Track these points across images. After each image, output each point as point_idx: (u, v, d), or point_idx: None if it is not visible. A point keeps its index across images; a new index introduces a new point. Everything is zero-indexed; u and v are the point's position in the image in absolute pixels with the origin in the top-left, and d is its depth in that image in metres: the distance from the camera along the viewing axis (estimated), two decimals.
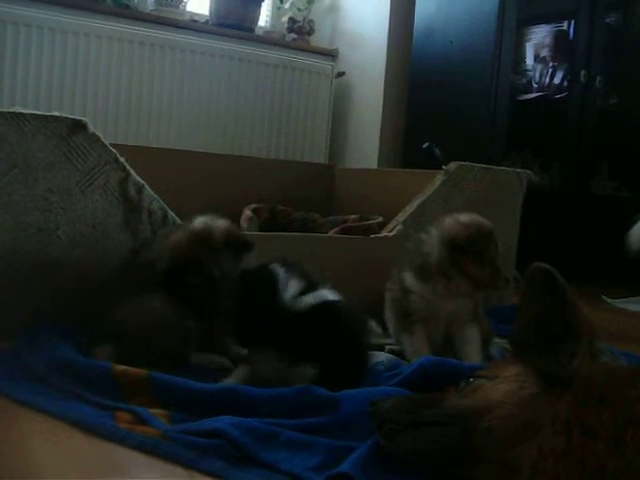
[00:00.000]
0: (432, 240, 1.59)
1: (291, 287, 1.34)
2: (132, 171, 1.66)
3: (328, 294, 1.36)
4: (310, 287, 1.36)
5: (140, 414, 1.12)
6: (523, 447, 0.85)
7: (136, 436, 1.06)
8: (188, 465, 0.99)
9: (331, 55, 3.82)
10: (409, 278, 1.59)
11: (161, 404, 1.18)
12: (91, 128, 1.61)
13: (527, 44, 3.63)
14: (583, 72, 3.40)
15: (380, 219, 2.28)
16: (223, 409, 1.13)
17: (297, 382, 1.23)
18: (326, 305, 1.33)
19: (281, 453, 1.00)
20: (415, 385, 1.21)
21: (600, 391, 0.86)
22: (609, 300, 2.84)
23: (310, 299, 1.33)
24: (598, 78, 3.45)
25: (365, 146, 3.63)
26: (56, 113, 1.60)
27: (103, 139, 1.63)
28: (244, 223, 2.41)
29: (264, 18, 3.87)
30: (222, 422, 1.05)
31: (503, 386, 0.94)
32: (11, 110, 1.54)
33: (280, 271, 1.36)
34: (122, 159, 1.65)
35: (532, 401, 0.89)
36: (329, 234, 2.19)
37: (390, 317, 1.69)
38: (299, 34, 3.80)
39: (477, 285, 1.56)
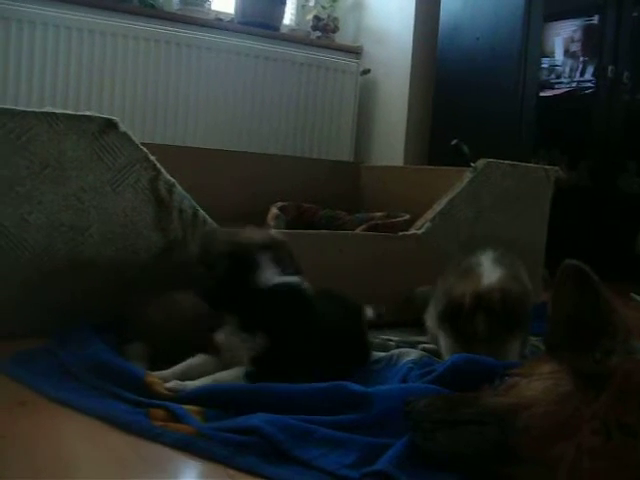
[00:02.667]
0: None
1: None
2: (163, 170, 1.67)
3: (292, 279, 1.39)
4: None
5: (175, 411, 1.13)
6: (560, 446, 0.85)
7: (171, 434, 1.07)
8: (224, 462, 1.00)
9: (356, 52, 3.81)
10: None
11: (193, 401, 1.19)
12: (122, 127, 1.62)
13: (556, 39, 3.59)
14: (610, 67, 3.36)
15: (407, 217, 2.28)
16: (256, 405, 1.13)
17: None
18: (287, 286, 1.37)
19: (316, 450, 1.01)
20: (448, 383, 1.21)
21: (638, 389, 0.85)
22: (639, 298, 2.81)
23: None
24: (625, 74, 3.41)
25: (391, 143, 3.62)
26: (88, 112, 1.61)
27: (134, 138, 1.65)
28: (271, 221, 2.41)
29: (289, 16, 3.87)
30: (257, 419, 1.06)
31: (538, 384, 0.93)
32: (43, 110, 1.56)
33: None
34: (152, 158, 1.66)
35: (569, 399, 0.88)
36: (356, 231, 2.19)
37: (431, 313, 1.68)
38: (324, 32, 3.80)
39: None
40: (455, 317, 1.49)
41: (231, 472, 0.98)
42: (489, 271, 1.54)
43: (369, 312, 1.66)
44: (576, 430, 0.84)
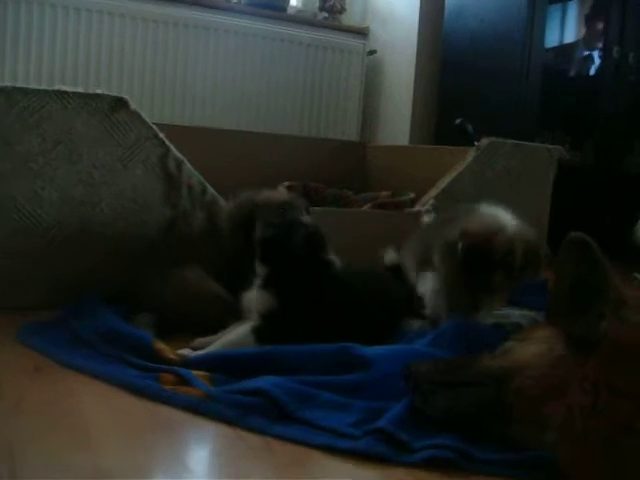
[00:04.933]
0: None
1: None
2: (172, 147, 1.71)
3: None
4: None
5: (184, 375, 1.17)
6: (552, 405, 0.89)
7: (181, 397, 1.11)
8: (233, 422, 1.04)
9: (362, 33, 3.81)
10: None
11: (201, 367, 1.23)
12: (132, 105, 1.66)
13: (563, 20, 3.60)
14: (616, 49, 3.37)
15: (412, 195, 2.30)
16: (262, 366, 1.19)
17: None
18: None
19: (319, 412, 1.05)
20: (445, 347, 1.25)
21: (628, 352, 0.89)
22: None
23: None
24: (631, 55, 3.42)
25: (397, 123, 3.63)
26: (99, 91, 1.65)
27: (144, 116, 1.68)
28: None
29: None
30: (264, 382, 1.10)
31: (533, 347, 0.97)
32: (55, 88, 1.60)
33: None
34: (162, 135, 1.70)
35: (561, 362, 0.92)
36: (363, 209, 2.22)
37: (408, 255, 1.65)
38: (330, 13, 3.80)
39: None
40: (470, 263, 1.33)
41: (241, 432, 1.02)
42: (501, 214, 1.41)
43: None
44: (567, 391, 0.88)
